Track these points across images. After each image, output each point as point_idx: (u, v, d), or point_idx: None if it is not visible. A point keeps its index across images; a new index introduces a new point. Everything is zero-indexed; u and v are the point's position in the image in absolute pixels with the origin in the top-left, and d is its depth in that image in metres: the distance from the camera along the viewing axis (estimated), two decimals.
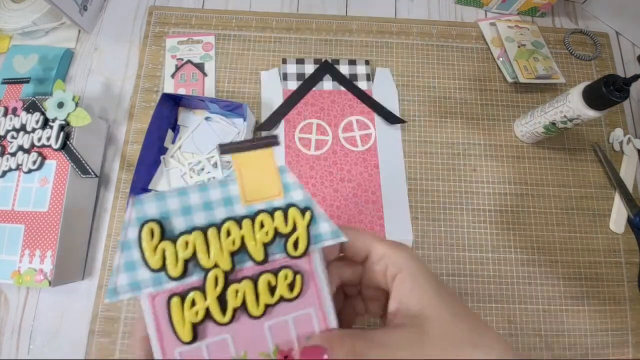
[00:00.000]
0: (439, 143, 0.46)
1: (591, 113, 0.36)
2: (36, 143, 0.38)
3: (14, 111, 0.40)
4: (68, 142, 0.38)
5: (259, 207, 0.19)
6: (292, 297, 0.19)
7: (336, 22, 0.51)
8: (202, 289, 0.18)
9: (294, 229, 0.19)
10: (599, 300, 0.41)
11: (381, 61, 0.49)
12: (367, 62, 0.48)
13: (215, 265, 0.18)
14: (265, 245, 0.19)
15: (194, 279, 0.18)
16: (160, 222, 0.18)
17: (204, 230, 0.18)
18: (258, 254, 0.19)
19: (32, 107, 0.39)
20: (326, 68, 0.47)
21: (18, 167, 0.38)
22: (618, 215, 0.43)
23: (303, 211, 0.19)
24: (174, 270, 0.18)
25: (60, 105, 0.39)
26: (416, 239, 0.42)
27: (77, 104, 0.39)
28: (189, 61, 0.47)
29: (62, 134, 0.38)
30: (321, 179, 0.43)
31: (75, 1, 0.46)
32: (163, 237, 0.18)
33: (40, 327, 0.39)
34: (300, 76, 0.47)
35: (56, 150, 0.38)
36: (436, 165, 0.45)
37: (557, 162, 0.46)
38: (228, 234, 0.18)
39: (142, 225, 0.18)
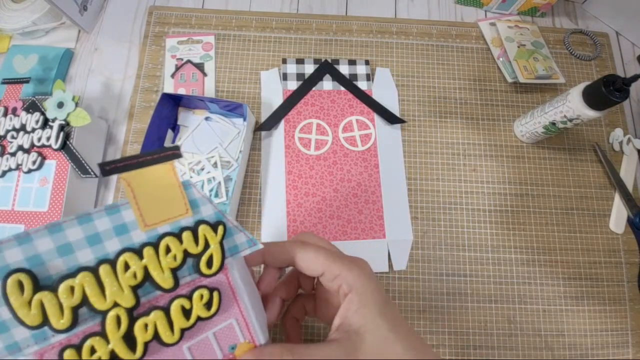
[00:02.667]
0: (438, 143, 0.46)
1: (591, 113, 0.36)
2: (36, 143, 0.38)
3: (14, 111, 0.40)
4: (68, 142, 0.38)
5: (163, 229, 0.17)
6: (210, 315, 0.17)
7: (336, 22, 0.51)
8: (102, 333, 0.15)
9: (207, 246, 0.17)
10: (599, 300, 0.41)
11: (381, 61, 0.49)
12: (367, 62, 0.48)
13: (115, 304, 0.15)
14: (174, 271, 0.17)
15: (89, 324, 0.15)
16: (29, 271, 0.14)
17: (93, 269, 0.15)
18: (166, 282, 0.16)
19: (32, 107, 0.39)
20: (326, 68, 0.47)
21: (18, 167, 0.38)
22: (618, 215, 0.43)
23: (215, 226, 0.17)
24: (59, 323, 0.15)
25: (60, 105, 0.39)
26: (416, 239, 0.42)
27: (77, 104, 0.39)
28: (189, 61, 0.47)
29: (62, 134, 0.38)
30: (321, 179, 0.43)
31: (75, 1, 0.46)
32: (38, 287, 0.14)
33: None
34: (300, 76, 0.47)
35: (56, 150, 0.38)
36: (436, 165, 0.45)
37: (557, 162, 0.46)
38: (126, 267, 0.16)
39: (5, 279, 0.14)
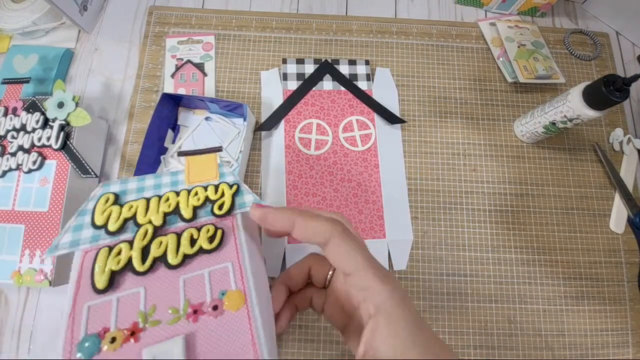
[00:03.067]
0: (438, 143, 0.46)
1: (591, 113, 0.36)
2: (36, 143, 0.38)
3: (14, 111, 0.40)
4: (68, 142, 0.38)
5: (194, 186, 0.23)
6: (211, 248, 0.21)
7: (336, 22, 0.51)
8: (131, 241, 0.20)
9: (222, 196, 0.23)
10: (599, 300, 0.41)
11: (381, 61, 0.49)
12: (367, 62, 0.48)
13: (149, 222, 0.21)
14: (195, 208, 0.22)
15: (128, 235, 0.21)
16: (117, 195, 0.22)
17: (148, 199, 0.22)
18: (187, 213, 0.22)
19: (32, 107, 0.39)
20: (326, 68, 0.47)
21: (18, 167, 0.38)
22: (618, 215, 0.43)
23: (231, 186, 0.23)
24: (113, 225, 0.21)
25: (60, 105, 0.39)
26: (416, 239, 0.42)
27: (77, 104, 0.39)
28: (189, 61, 0.47)
29: (62, 134, 0.38)
30: (321, 179, 0.43)
31: (75, 1, 0.46)
32: (114, 204, 0.21)
33: (40, 327, 0.39)
34: (300, 76, 0.47)
35: (56, 150, 0.38)
36: (436, 165, 0.45)
37: (557, 162, 0.46)
38: (167, 200, 0.22)
39: (100, 196, 0.21)
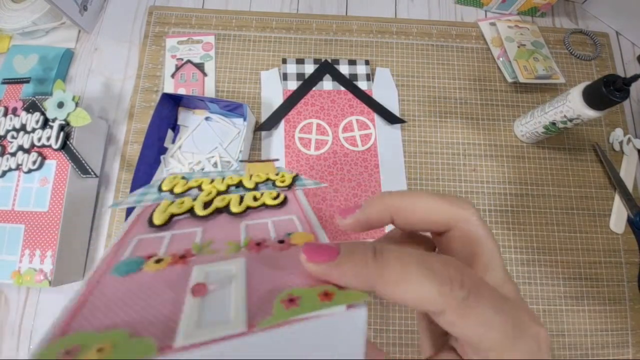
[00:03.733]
0: (439, 143, 0.46)
1: (591, 113, 0.36)
2: (36, 143, 0.38)
3: (14, 111, 0.40)
4: (68, 142, 0.38)
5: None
6: (275, 204, 0.19)
7: (336, 22, 0.51)
8: (194, 198, 0.20)
9: (282, 177, 0.23)
10: (599, 300, 0.41)
11: (381, 61, 0.49)
12: (367, 62, 0.48)
13: (212, 188, 0.21)
14: (257, 183, 0.22)
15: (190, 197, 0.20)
16: (183, 176, 0.22)
17: (211, 180, 0.22)
18: (249, 184, 0.22)
19: (32, 107, 0.39)
20: (326, 68, 0.47)
21: (18, 167, 0.38)
22: (618, 215, 0.43)
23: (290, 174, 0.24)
24: (179, 188, 0.21)
25: (60, 105, 0.39)
26: None
27: (77, 104, 0.39)
28: (189, 61, 0.47)
29: (62, 134, 0.38)
30: (321, 179, 0.43)
31: (75, 1, 0.46)
32: (182, 179, 0.22)
33: (40, 327, 0.39)
34: (300, 76, 0.47)
35: (56, 150, 0.38)
36: (436, 165, 0.45)
37: (557, 162, 0.46)
38: (230, 179, 0.22)
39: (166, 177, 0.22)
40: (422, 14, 0.53)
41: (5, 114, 0.40)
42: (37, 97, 0.40)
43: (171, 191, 0.20)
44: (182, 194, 0.20)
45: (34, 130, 0.38)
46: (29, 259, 0.36)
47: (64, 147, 0.38)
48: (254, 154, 0.44)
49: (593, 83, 0.35)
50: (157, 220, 0.17)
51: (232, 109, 0.43)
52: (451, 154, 0.45)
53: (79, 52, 0.49)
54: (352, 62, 0.48)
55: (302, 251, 0.12)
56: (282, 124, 0.45)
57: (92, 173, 0.39)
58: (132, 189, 0.38)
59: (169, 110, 0.43)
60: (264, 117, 0.45)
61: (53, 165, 0.38)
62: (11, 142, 0.39)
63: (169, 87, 0.47)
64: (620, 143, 0.46)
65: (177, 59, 0.48)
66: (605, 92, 0.34)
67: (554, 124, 0.40)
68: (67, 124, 0.39)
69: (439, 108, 0.47)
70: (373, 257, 0.12)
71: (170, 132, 0.44)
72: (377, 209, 0.16)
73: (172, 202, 0.18)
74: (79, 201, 0.40)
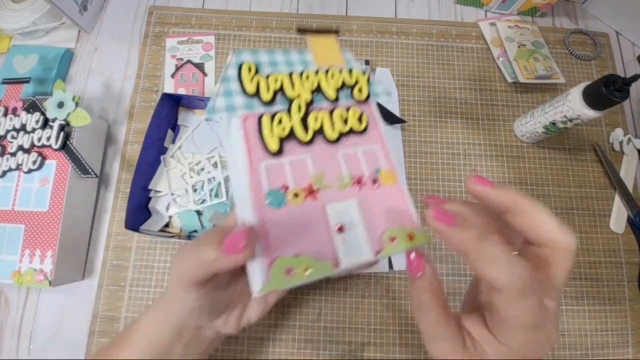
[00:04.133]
0: (438, 143, 0.46)
1: (591, 113, 0.36)
2: (36, 143, 0.38)
3: (14, 111, 0.40)
4: (68, 142, 0.38)
5: (327, 67, 0.23)
6: (361, 129, 0.22)
7: (336, 22, 0.51)
8: (287, 112, 0.21)
9: (357, 82, 0.23)
10: (599, 300, 0.41)
11: (381, 61, 0.49)
12: (367, 62, 0.48)
13: (298, 96, 0.22)
14: (336, 89, 0.23)
15: (279, 107, 0.21)
16: (254, 64, 0.22)
17: (289, 74, 0.22)
18: (331, 93, 0.22)
19: (32, 107, 0.39)
20: None
21: (18, 167, 0.38)
22: (618, 215, 0.43)
23: (363, 73, 0.24)
24: (266, 95, 0.21)
25: (60, 105, 0.39)
26: None
27: (77, 104, 0.39)
28: (189, 61, 0.47)
29: (62, 134, 0.38)
30: None
31: (75, 1, 0.46)
32: (256, 73, 0.22)
33: (40, 327, 0.39)
34: None
35: (56, 150, 0.38)
36: (436, 165, 0.45)
37: (557, 162, 0.46)
38: (307, 77, 0.22)
39: (240, 65, 0.22)
40: (422, 14, 0.53)
41: (5, 114, 0.40)
42: (37, 97, 0.40)
43: (259, 97, 0.21)
44: (270, 103, 0.21)
45: (34, 130, 0.38)
46: (29, 259, 0.36)
47: (64, 147, 0.38)
48: None
49: (593, 83, 0.35)
50: (272, 146, 0.20)
51: None
52: (451, 154, 0.45)
53: (79, 52, 0.49)
54: None
55: (431, 209, 0.17)
56: None
57: (92, 173, 0.39)
58: (132, 189, 0.38)
59: (169, 110, 0.43)
60: None
61: (53, 165, 0.38)
62: (11, 142, 0.39)
63: (169, 87, 0.47)
64: (620, 143, 0.46)
65: (177, 59, 0.48)
66: (605, 92, 0.34)
67: (554, 124, 0.40)
68: (67, 124, 0.39)
69: (439, 108, 0.47)
70: (479, 238, 0.16)
71: (170, 132, 0.44)
72: (507, 197, 0.18)
73: (272, 119, 0.20)
74: (79, 201, 0.40)
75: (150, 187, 0.41)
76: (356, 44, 0.50)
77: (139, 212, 0.40)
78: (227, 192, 0.41)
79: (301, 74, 0.22)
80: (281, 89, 0.21)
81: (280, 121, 0.20)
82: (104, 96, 0.47)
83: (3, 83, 0.45)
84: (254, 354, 0.38)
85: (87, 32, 0.49)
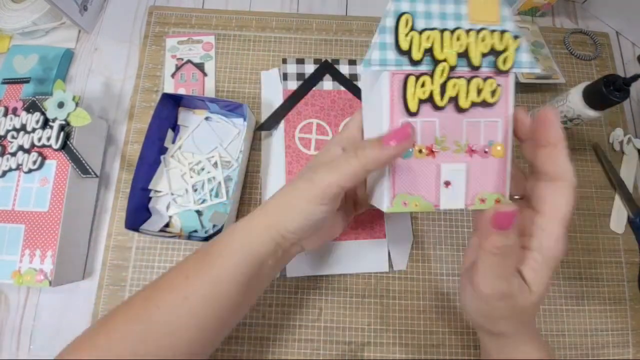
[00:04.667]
0: None
1: (591, 113, 0.36)
2: (36, 143, 0.38)
3: (14, 111, 0.40)
4: (68, 142, 0.38)
5: (481, 26, 0.23)
6: (492, 102, 0.24)
7: (336, 22, 0.51)
8: (431, 75, 0.23)
9: (506, 49, 0.23)
10: (599, 300, 0.41)
11: None
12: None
13: (444, 60, 0.23)
14: (482, 55, 0.23)
15: (424, 68, 0.23)
16: (411, 15, 0.23)
17: (441, 31, 0.23)
18: (476, 60, 0.23)
19: (32, 107, 0.39)
20: (326, 68, 0.47)
21: (18, 167, 0.38)
22: (618, 215, 0.43)
23: (514, 38, 0.23)
24: (417, 54, 0.23)
25: (61, 105, 0.39)
26: (416, 239, 0.42)
27: (77, 104, 0.39)
28: (189, 61, 0.47)
29: (62, 134, 0.38)
30: None
31: (75, 1, 0.46)
32: (411, 28, 0.23)
33: (40, 327, 0.39)
34: (300, 76, 0.47)
35: (56, 150, 0.38)
36: None
37: None
38: (458, 38, 0.23)
39: (399, 16, 0.23)
40: None
41: (6, 114, 0.40)
42: (37, 97, 0.40)
43: (409, 56, 0.23)
44: (419, 62, 0.23)
45: (34, 130, 0.38)
46: (29, 259, 0.36)
47: (64, 147, 0.38)
48: (254, 154, 0.44)
49: (593, 83, 0.35)
50: (412, 108, 0.23)
51: (232, 109, 0.43)
52: None
53: (79, 52, 0.49)
54: (352, 62, 0.48)
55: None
56: (282, 124, 0.45)
57: (92, 173, 0.39)
58: (132, 189, 0.38)
59: (169, 110, 0.43)
60: (264, 117, 0.45)
61: (53, 165, 0.38)
62: (11, 142, 0.39)
63: (169, 87, 0.47)
64: (620, 143, 0.46)
65: (177, 59, 0.48)
66: (605, 92, 0.34)
67: None
68: (67, 124, 0.39)
69: None
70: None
71: (170, 132, 0.44)
72: (559, 133, 0.22)
73: (416, 82, 0.23)
74: (79, 201, 0.40)
75: (150, 187, 0.41)
76: (356, 44, 0.50)
77: (139, 212, 0.40)
78: (227, 192, 0.41)
79: (453, 31, 0.23)
80: (431, 48, 0.23)
81: (423, 84, 0.23)
82: (104, 96, 0.47)
83: (3, 83, 0.45)
84: (254, 354, 0.38)
85: (87, 32, 0.49)
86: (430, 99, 0.23)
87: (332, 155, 0.28)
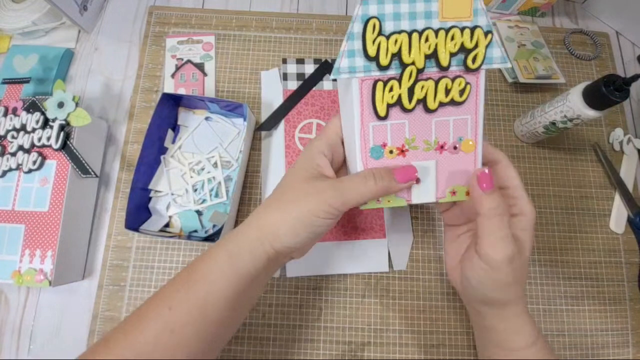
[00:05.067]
0: None
1: (591, 113, 0.36)
2: (36, 143, 0.38)
3: (14, 111, 0.40)
4: (68, 142, 0.38)
5: (451, 24, 0.23)
6: (461, 101, 0.24)
7: (336, 22, 0.51)
8: (399, 80, 0.24)
9: (476, 46, 0.24)
10: (599, 300, 0.41)
11: None
12: None
13: (412, 63, 0.23)
14: (451, 55, 0.23)
15: (393, 72, 0.24)
16: (379, 19, 0.23)
17: (409, 33, 0.23)
18: (445, 60, 0.23)
19: (32, 107, 0.39)
20: (326, 68, 0.47)
21: (18, 167, 0.38)
22: (618, 215, 0.43)
23: (486, 34, 0.24)
24: (384, 60, 0.23)
25: (61, 105, 0.39)
26: (416, 239, 0.42)
27: (77, 104, 0.39)
28: (189, 61, 0.47)
29: (62, 134, 0.38)
30: None
31: (75, 1, 0.46)
32: (379, 33, 0.23)
33: (40, 327, 0.39)
34: (300, 76, 0.47)
35: (56, 150, 0.38)
36: None
37: (557, 162, 0.46)
38: (426, 39, 0.23)
39: (367, 21, 0.23)
40: None
41: (6, 114, 0.40)
42: (37, 97, 0.40)
43: (377, 62, 0.23)
44: (387, 67, 0.23)
45: (34, 130, 0.38)
46: (29, 259, 0.36)
47: (64, 147, 0.38)
48: (254, 154, 0.44)
49: (593, 83, 0.35)
50: (381, 112, 0.24)
51: (232, 109, 0.43)
52: None
53: (79, 52, 0.49)
54: None
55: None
56: (282, 124, 0.45)
57: (92, 173, 0.39)
58: (132, 189, 0.38)
59: (169, 110, 0.43)
60: (264, 117, 0.45)
61: (53, 165, 0.38)
62: (11, 142, 0.39)
63: (169, 87, 0.47)
64: (620, 143, 0.46)
65: (177, 59, 0.48)
66: (605, 92, 0.34)
67: (554, 124, 0.40)
68: (67, 124, 0.39)
69: None
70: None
71: (170, 132, 0.44)
72: (497, 154, 0.28)
73: (384, 87, 0.23)
74: (79, 201, 0.40)
75: (150, 187, 0.41)
76: None
77: (139, 212, 0.40)
78: (227, 192, 0.41)
79: (422, 33, 0.23)
80: (398, 52, 0.23)
81: (391, 89, 0.24)
82: (104, 96, 0.47)
83: (3, 83, 0.45)
84: (254, 354, 0.38)
85: (87, 32, 0.49)
86: (399, 102, 0.24)
87: (315, 163, 0.27)
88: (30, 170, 0.38)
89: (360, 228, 0.41)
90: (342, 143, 0.29)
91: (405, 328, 0.39)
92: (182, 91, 0.46)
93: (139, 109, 0.46)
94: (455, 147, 0.25)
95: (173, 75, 0.47)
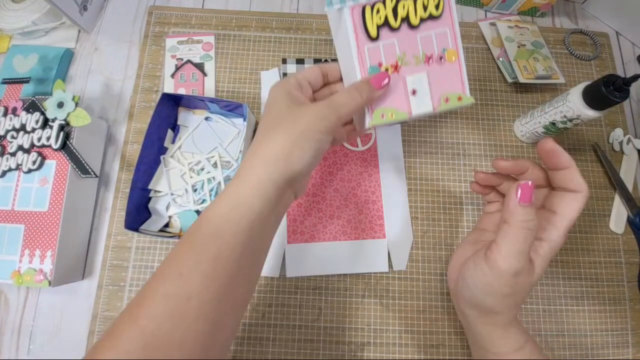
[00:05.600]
0: (439, 143, 0.46)
1: (591, 113, 0.36)
2: (36, 143, 0.38)
3: (14, 111, 0.40)
4: (68, 142, 0.38)
5: None
6: (437, 14, 0.27)
7: None
8: (383, 2, 0.26)
9: None
10: (599, 300, 0.41)
11: None
12: None
13: None
14: None
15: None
16: None
17: None
18: None
19: (32, 107, 0.39)
20: None
21: (18, 167, 0.38)
22: (618, 215, 0.43)
23: None
24: None
25: (60, 105, 0.39)
26: (416, 239, 0.42)
27: (77, 104, 0.39)
28: (189, 61, 0.47)
29: (62, 134, 0.38)
30: (321, 179, 0.43)
31: (75, 1, 0.46)
32: None
33: (40, 327, 0.39)
34: None
35: (56, 150, 0.38)
36: (436, 165, 0.45)
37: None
38: None
39: None
40: None
41: (5, 114, 0.40)
42: (37, 97, 0.40)
43: None
44: None
45: (33, 130, 0.38)
46: (28, 259, 0.36)
47: (64, 147, 0.38)
48: None
49: (593, 83, 0.35)
50: (373, 33, 0.27)
51: (232, 109, 0.43)
52: (451, 154, 0.45)
53: (79, 52, 0.49)
54: None
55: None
56: None
57: (92, 173, 0.39)
58: (132, 189, 0.38)
59: (169, 110, 0.43)
60: None
61: (53, 165, 0.38)
62: (11, 142, 0.39)
63: (169, 87, 0.47)
64: (620, 143, 0.46)
65: (177, 59, 0.48)
66: (605, 92, 0.34)
67: (553, 124, 0.40)
68: (67, 124, 0.39)
69: None
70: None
71: (170, 132, 0.44)
72: (568, 159, 0.27)
73: (372, 10, 0.26)
74: (79, 201, 0.40)
75: (150, 187, 0.41)
76: None
77: (139, 212, 0.40)
78: None
79: None
80: None
81: (378, 11, 0.26)
82: (104, 96, 0.47)
83: (3, 83, 0.45)
84: (254, 354, 0.38)
85: (87, 32, 0.49)
86: (386, 23, 0.27)
87: (294, 96, 0.28)
88: (30, 170, 0.38)
89: (360, 228, 0.41)
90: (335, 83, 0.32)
91: (405, 328, 0.39)
92: (182, 91, 0.46)
93: (138, 109, 0.46)
94: (441, 58, 0.28)
95: (173, 75, 0.47)
